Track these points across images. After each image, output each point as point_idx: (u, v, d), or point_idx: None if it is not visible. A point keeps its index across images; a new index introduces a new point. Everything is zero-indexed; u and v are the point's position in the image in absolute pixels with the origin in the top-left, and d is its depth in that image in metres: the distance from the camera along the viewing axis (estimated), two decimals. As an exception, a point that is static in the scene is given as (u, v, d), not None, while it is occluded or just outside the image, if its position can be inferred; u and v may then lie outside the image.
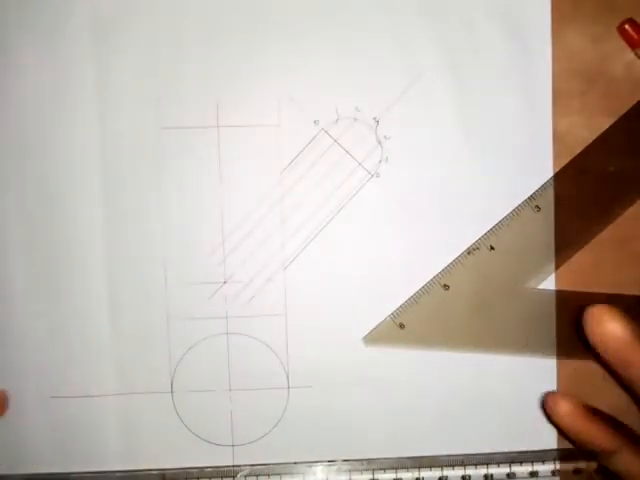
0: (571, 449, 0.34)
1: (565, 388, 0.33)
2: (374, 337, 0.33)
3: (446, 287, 0.33)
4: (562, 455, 0.34)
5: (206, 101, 0.32)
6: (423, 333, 0.33)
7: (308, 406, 0.33)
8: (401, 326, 0.33)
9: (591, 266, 0.33)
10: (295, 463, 0.34)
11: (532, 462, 0.34)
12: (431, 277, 0.33)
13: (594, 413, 0.30)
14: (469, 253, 0.33)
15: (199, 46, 0.32)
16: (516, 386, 0.33)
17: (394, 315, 0.33)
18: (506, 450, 0.34)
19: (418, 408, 0.34)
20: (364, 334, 0.33)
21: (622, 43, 0.32)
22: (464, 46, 0.32)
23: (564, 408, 0.30)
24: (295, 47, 0.32)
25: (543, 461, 0.34)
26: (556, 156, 0.33)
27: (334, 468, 0.34)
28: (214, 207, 0.33)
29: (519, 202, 0.33)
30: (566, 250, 0.33)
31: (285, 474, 0.33)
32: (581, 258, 0.33)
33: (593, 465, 0.34)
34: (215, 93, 0.32)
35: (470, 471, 0.34)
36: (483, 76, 0.32)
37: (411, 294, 0.33)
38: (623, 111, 0.33)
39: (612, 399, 0.34)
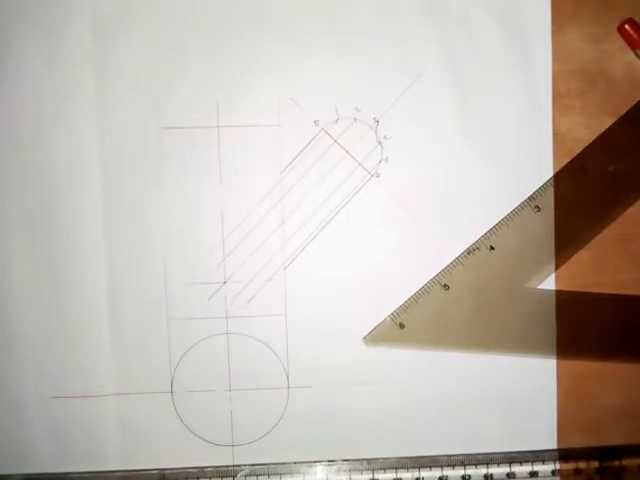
0: (571, 449, 0.34)
1: (565, 388, 0.33)
2: (374, 337, 0.33)
3: (446, 287, 0.33)
4: (562, 455, 0.34)
5: (206, 101, 0.32)
6: (423, 333, 0.33)
7: (308, 406, 0.33)
8: (401, 326, 0.33)
9: (591, 266, 0.33)
10: (295, 463, 0.34)
11: (532, 462, 0.34)
12: (431, 277, 0.33)
13: None
14: (469, 253, 0.33)
15: (199, 46, 0.32)
16: (516, 386, 0.33)
17: (394, 315, 0.33)
18: (506, 450, 0.34)
19: (418, 408, 0.33)
20: (364, 334, 0.33)
21: (622, 43, 0.32)
22: (464, 46, 0.32)
23: None
24: (295, 47, 0.32)
25: (543, 461, 0.34)
26: (556, 156, 0.33)
27: (334, 468, 0.34)
28: (214, 207, 0.33)
29: (519, 202, 0.33)
30: (566, 250, 0.33)
31: (285, 474, 0.33)
32: (581, 258, 0.33)
33: (593, 465, 0.34)
34: (215, 93, 0.32)
35: (470, 471, 0.34)
36: (483, 76, 0.32)
37: (411, 294, 0.33)
38: (623, 111, 0.33)
39: (612, 399, 0.34)
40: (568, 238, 0.33)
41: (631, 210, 0.33)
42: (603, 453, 0.34)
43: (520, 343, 0.33)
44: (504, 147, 0.33)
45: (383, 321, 0.33)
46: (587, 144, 0.33)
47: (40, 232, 0.32)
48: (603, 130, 0.33)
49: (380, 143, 0.33)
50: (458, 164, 0.33)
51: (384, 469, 0.34)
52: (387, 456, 0.34)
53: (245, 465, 0.34)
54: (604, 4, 0.32)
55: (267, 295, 0.33)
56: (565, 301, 0.33)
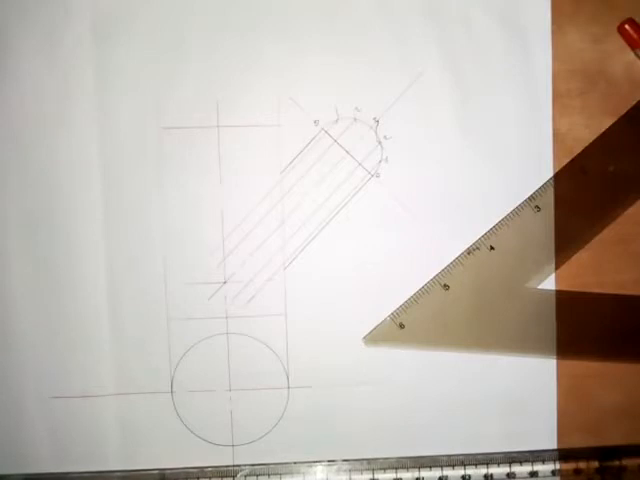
0: (571, 449, 0.34)
1: (565, 388, 0.33)
2: (374, 337, 0.33)
3: (446, 287, 0.33)
4: (562, 455, 0.34)
5: (206, 101, 0.32)
6: (423, 333, 0.33)
7: (308, 406, 0.33)
8: (401, 326, 0.33)
9: (591, 266, 0.33)
10: (295, 463, 0.34)
11: (532, 462, 0.34)
12: (431, 277, 0.33)
13: None
14: (469, 253, 0.33)
15: (199, 46, 0.32)
16: (516, 386, 0.33)
17: (394, 315, 0.33)
18: (506, 450, 0.34)
19: (418, 408, 0.33)
20: (364, 334, 0.33)
21: (622, 43, 0.32)
22: (464, 46, 0.32)
23: None
24: (295, 47, 0.32)
25: (543, 461, 0.34)
26: (556, 156, 0.33)
27: (334, 468, 0.34)
28: (214, 207, 0.33)
29: (519, 202, 0.33)
30: (566, 250, 0.33)
31: (285, 474, 0.33)
32: (581, 258, 0.33)
33: (593, 465, 0.34)
34: (215, 93, 0.32)
35: (470, 471, 0.34)
36: (483, 76, 0.32)
37: (411, 294, 0.33)
38: (623, 111, 0.33)
39: (612, 399, 0.34)
40: (568, 238, 0.33)
41: (631, 210, 0.33)
42: (603, 453, 0.34)
43: (520, 343, 0.33)
44: (504, 147, 0.33)
45: (383, 321, 0.33)
46: (587, 144, 0.33)
47: (40, 232, 0.32)
48: (603, 130, 0.33)
49: (380, 143, 0.33)
50: (458, 164, 0.33)
51: (384, 469, 0.34)
52: (387, 456, 0.34)
53: (245, 465, 0.34)
54: (604, 4, 0.32)
55: (267, 295, 0.33)
56: (565, 301, 0.33)
